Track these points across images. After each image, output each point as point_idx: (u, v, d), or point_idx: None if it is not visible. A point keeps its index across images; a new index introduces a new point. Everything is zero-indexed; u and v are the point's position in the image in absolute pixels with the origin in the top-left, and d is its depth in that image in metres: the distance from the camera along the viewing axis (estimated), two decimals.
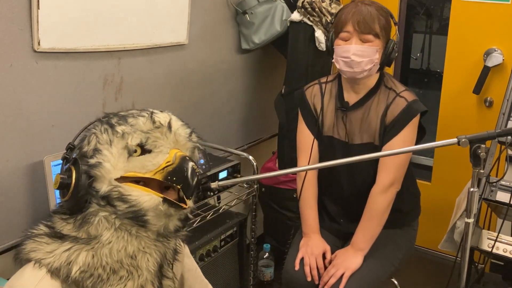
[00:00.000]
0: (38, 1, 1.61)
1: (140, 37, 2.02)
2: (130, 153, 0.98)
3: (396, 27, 1.82)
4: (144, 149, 0.99)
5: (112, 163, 0.97)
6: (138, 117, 1.02)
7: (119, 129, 1.00)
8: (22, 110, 1.68)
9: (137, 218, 0.96)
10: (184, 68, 2.30)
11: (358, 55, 1.70)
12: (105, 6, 1.84)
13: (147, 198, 0.97)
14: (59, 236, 0.98)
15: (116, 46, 1.93)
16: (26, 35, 1.63)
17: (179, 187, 0.99)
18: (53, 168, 1.67)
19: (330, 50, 1.81)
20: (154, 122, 1.02)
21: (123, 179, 0.98)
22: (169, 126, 1.03)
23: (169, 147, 1.01)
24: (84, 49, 1.81)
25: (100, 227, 0.97)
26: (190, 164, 0.99)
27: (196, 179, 0.99)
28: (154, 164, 0.98)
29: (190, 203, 1.03)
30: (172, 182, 0.98)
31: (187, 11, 2.19)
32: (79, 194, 0.97)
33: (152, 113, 1.05)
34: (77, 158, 0.99)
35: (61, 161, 1.04)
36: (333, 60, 1.78)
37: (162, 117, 1.05)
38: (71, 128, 1.84)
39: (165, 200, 0.98)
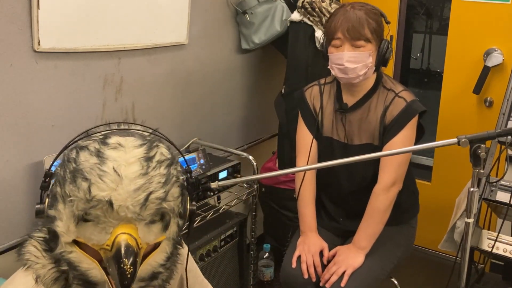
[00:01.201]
0: (38, 1, 1.61)
1: (140, 37, 2.02)
2: (79, 218, 0.88)
3: (389, 25, 1.81)
4: (89, 219, 0.87)
5: (64, 223, 0.89)
6: (82, 183, 0.86)
7: (68, 189, 0.88)
8: (22, 110, 1.68)
9: (89, 285, 0.92)
10: (184, 68, 2.30)
11: (351, 61, 1.71)
12: (105, 6, 1.84)
13: (95, 273, 0.90)
14: (50, 250, 0.97)
15: (116, 46, 1.93)
16: (26, 35, 1.63)
17: (112, 282, 0.88)
18: (53, 168, 1.67)
19: (325, 56, 1.82)
20: (91, 199, 0.85)
21: (77, 242, 0.90)
22: (110, 203, 0.85)
23: (111, 225, 0.86)
24: (84, 49, 1.81)
25: (70, 277, 0.94)
26: (123, 262, 0.84)
27: (126, 282, 0.84)
28: (98, 240, 0.87)
29: None
30: (106, 272, 0.89)
31: (187, 11, 2.19)
32: (50, 235, 0.93)
33: (99, 177, 0.86)
34: (48, 192, 0.94)
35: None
36: (329, 67, 1.79)
37: (107, 185, 0.85)
38: (71, 128, 1.84)
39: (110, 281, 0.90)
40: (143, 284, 0.94)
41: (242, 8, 2.49)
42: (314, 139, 1.91)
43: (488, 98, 2.65)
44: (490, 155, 2.02)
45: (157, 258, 0.94)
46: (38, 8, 1.62)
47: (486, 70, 2.56)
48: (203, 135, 2.44)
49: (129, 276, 0.84)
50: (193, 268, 1.26)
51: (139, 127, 1.01)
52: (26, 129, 1.70)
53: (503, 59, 2.55)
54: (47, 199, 0.93)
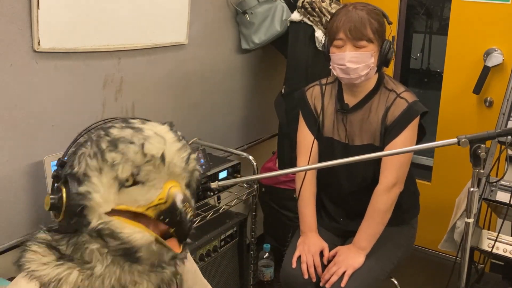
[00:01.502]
0: (38, 1, 1.61)
1: (140, 37, 2.02)
2: (121, 184, 0.90)
3: (391, 25, 1.81)
4: (136, 180, 0.91)
5: (102, 194, 0.90)
6: (129, 145, 0.90)
7: (109, 157, 0.90)
8: (22, 110, 1.68)
9: (129, 255, 0.92)
10: (184, 68, 2.30)
11: (353, 61, 1.71)
12: (105, 6, 1.84)
13: (139, 236, 0.91)
14: (56, 249, 0.96)
15: (116, 46, 1.93)
16: (26, 35, 1.63)
17: (172, 230, 0.93)
18: (53, 168, 1.67)
19: (326, 56, 1.81)
20: (145, 155, 0.90)
21: (114, 211, 0.91)
22: (163, 158, 0.91)
23: (162, 180, 0.92)
24: (84, 49, 1.81)
25: (93, 258, 0.93)
26: (184, 205, 0.91)
27: (189, 224, 0.91)
28: (146, 199, 0.91)
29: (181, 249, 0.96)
30: (164, 222, 0.92)
31: (187, 11, 2.19)
32: (71, 220, 0.92)
33: (145, 139, 0.92)
34: (67, 178, 0.92)
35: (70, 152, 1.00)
36: (330, 67, 1.79)
37: (155, 145, 0.92)
38: (71, 128, 1.84)
39: (158, 240, 0.93)
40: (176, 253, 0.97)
41: (242, 8, 2.49)
42: (315, 140, 1.90)
43: (488, 98, 2.65)
44: (490, 155, 2.02)
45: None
46: (38, 8, 1.62)
47: (486, 70, 2.56)
48: (203, 135, 2.44)
49: (192, 217, 0.91)
50: (193, 268, 1.26)
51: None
52: (26, 129, 1.70)
53: (503, 59, 2.55)
54: (63, 188, 0.93)
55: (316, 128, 1.91)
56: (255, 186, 2.32)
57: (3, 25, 1.57)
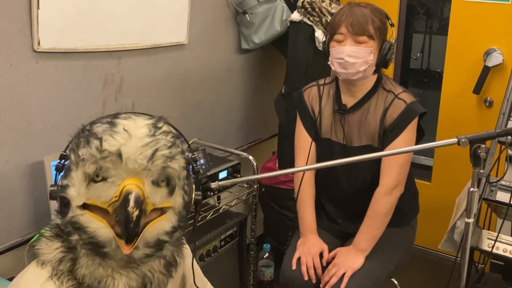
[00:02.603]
0: (38, 1, 1.61)
1: (140, 37, 2.02)
2: (91, 179, 0.92)
3: (393, 28, 1.81)
4: (103, 176, 0.91)
5: (76, 188, 0.93)
6: (94, 140, 0.91)
7: (80, 152, 0.92)
8: (22, 110, 1.68)
9: (97, 249, 0.93)
10: (184, 68, 2.30)
11: (352, 56, 1.71)
12: (105, 6, 1.84)
13: (102, 232, 0.91)
14: (61, 236, 0.99)
15: (116, 46, 1.93)
16: (26, 35, 1.63)
17: (119, 230, 0.90)
18: (53, 168, 1.67)
19: (326, 53, 1.81)
20: (102, 151, 0.90)
21: (86, 205, 0.93)
22: (119, 154, 0.89)
23: (121, 178, 0.90)
24: (84, 49, 1.81)
25: (78, 248, 0.96)
26: (129, 206, 0.87)
27: (131, 225, 0.87)
28: (107, 196, 0.90)
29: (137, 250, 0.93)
30: (115, 221, 0.90)
31: (187, 11, 2.19)
32: (62, 210, 0.96)
33: (110, 135, 0.91)
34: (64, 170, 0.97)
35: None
36: (329, 63, 1.79)
37: (114, 140, 0.91)
38: (71, 128, 1.81)
39: (115, 238, 0.91)
40: (149, 251, 0.95)
41: (242, 8, 2.49)
42: (312, 141, 1.90)
43: (488, 98, 2.65)
44: (490, 155, 2.02)
45: (163, 224, 0.96)
46: (38, 8, 1.62)
47: (486, 70, 2.56)
48: (203, 135, 2.44)
49: (134, 219, 0.87)
50: (194, 266, 1.26)
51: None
52: (26, 129, 1.70)
53: (503, 59, 2.55)
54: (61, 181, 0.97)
55: (314, 129, 1.91)
56: (255, 186, 2.32)
57: (3, 25, 1.57)
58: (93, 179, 0.92)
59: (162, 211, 0.96)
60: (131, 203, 0.87)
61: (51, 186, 0.97)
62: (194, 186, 1.04)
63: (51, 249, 0.98)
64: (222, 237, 2.23)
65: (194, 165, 1.06)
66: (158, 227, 0.95)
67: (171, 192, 0.96)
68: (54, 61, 1.74)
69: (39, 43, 1.65)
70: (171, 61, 2.22)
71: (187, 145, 1.02)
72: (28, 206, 1.74)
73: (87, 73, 1.87)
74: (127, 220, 0.87)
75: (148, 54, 2.10)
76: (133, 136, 0.92)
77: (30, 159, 1.72)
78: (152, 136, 0.93)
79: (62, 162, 1.00)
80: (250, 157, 2.30)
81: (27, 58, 1.65)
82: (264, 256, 2.60)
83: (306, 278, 1.81)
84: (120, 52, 1.96)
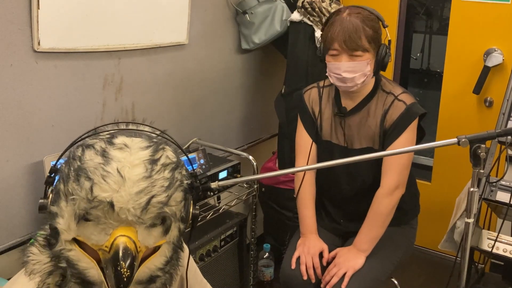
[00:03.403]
0: (38, 1, 1.61)
1: (140, 37, 2.02)
2: (80, 217, 0.87)
3: (387, 28, 1.79)
4: (89, 218, 0.87)
5: (65, 221, 0.89)
6: (85, 182, 0.85)
7: (70, 187, 0.87)
8: (22, 110, 1.68)
9: (85, 284, 0.91)
10: (184, 68, 2.30)
11: (349, 71, 1.70)
12: (105, 6, 1.84)
13: (92, 273, 0.89)
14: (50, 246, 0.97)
15: (116, 46, 1.93)
16: (26, 35, 1.63)
17: (109, 284, 0.87)
18: (59, 165, 1.67)
19: (323, 62, 1.80)
20: (92, 199, 0.85)
21: (77, 240, 0.90)
22: (111, 204, 0.84)
23: (111, 227, 0.86)
24: (84, 49, 1.81)
25: (68, 272, 0.93)
26: (119, 265, 0.84)
27: (121, 285, 0.84)
28: (97, 240, 0.87)
29: None
30: (103, 273, 0.88)
31: (187, 11, 2.19)
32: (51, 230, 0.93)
33: (102, 177, 0.85)
34: (52, 188, 0.93)
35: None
36: (327, 74, 1.78)
37: (108, 186, 0.85)
38: (71, 128, 1.84)
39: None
40: (141, 287, 0.93)
41: (242, 8, 2.49)
42: (313, 143, 1.90)
43: (488, 98, 2.65)
44: (490, 155, 2.02)
45: (156, 262, 0.93)
46: (38, 8, 1.62)
47: (486, 70, 2.56)
48: (203, 135, 2.44)
49: (125, 279, 0.83)
50: (193, 268, 1.26)
51: (147, 128, 1.00)
52: (26, 129, 1.70)
53: (503, 59, 2.55)
54: (50, 195, 0.93)
55: (314, 131, 1.91)
56: (255, 186, 2.32)
57: (3, 25, 1.57)
58: (84, 217, 0.87)
59: (155, 247, 0.93)
60: (122, 263, 0.83)
61: (41, 199, 0.94)
62: (192, 202, 0.99)
63: (41, 258, 0.96)
64: (222, 237, 2.23)
65: (195, 180, 1.01)
66: (151, 265, 0.93)
67: (167, 231, 0.92)
68: (54, 61, 1.74)
69: (39, 43, 1.65)
70: (171, 61, 2.22)
71: (185, 171, 0.97)
72: (28, 206, 1.74)
73: (87, 73, 1.87)
74: (118, 279, 0.84)
75: (148, 54, 2.10)
76: (127, 180, 0.85)
77: (30, 159, 1.72)
78: (148, 179, 0.87)
79: (52, 176, 0.95)
80: (250, 157, 2.30)
81: (27, 58, 1.65)
82: (264, 256, 2.60)
83: (305, 277, 1.82)
84: (120, 52, 1.96)
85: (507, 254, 1.90)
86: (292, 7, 2.52)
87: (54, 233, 0.92)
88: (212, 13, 2.39)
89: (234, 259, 2.36)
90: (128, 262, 0.84)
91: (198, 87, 2.41)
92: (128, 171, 0.86)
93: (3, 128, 1.63)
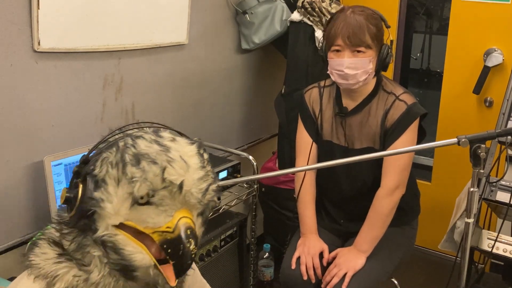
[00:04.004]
0: (38, 1, 1.61)
1: (140, 37, 2.02)
2: (135, 201, 0.89)
3: (390, 29, 1.79)
4: (150, 201, 0.89)
5: (114, 206, 0.89)
6: (151, 164, 0.88)
7: (129, 171, 0.88)
8: (22, 110, 1.68)
9: (126, 271, 0.91)
10: (184, 68, 2.30)
11: (351, 68, 1.70)
12: (105, 6, 1.84)
13: (139, 257, 0.90)
14: (59, 245, 0.96)
15: (116, 46, 1.93)
16: (26, 35, 1.63)
17: (171, 262, 0.89)
18: (53, 168, 1.67)
19: (324, 61, 1.81)
20: (164, 179, 0.88)
21: (121, 225, 0.90)
22: (181, 186, 0.89)
23: (175, 208, 0.90)
24: (84, 49, 1.81)
25: (92, 263, 0.93)
26: (189, 242, 0.88)
27: (189, 262, 0.88)
28: (154, 223, 0.89)
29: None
30: (166, 252, 0.89)
31: (187, 11, 2.19)
32: (80, 220, 0.92)
33: (169, 162, 0.89)
34: (87, 177, 0.92)
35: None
36: (328, 72, 1.78)
37: (177, 170, 0.89)
38: (71, 128, 1.84)
39: (156, 267, 0.91)
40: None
41: (242, 8, 2.49)
42: (313, 143, 1.90)
43: (488, 98, 2.65)
44: (490, 155, 2.02)
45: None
46: (38, 8, 1.62)
47: (486, 70, 2.56)
48: (203, 135, 2.44)
49: (193, 255, 0.88)
50: (192, 268, 1.26)
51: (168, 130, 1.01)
52: (26, 129, 1.70)
53: (503, 59, 2.55)
54: (81, 185, 0.92)
55: (314, 131, 1.91)
56: (255, 186, 2.32)
57: (3, 25, 1.57)
58: (139, 201, 0.89)
59: None
60: (191, 240, 0.88)
61: (67, 190, 0.93)
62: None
63: (45, 259, 0.94)
64: (222, 237, 2.23)
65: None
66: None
67: (204, 223, 0.98)
68: (54, 61, 1.74)
69: (39, 43, 1.65)
70: (171, 61, 2.22)
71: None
72: (28, 206, 1.74)
73: (87, 73, 1.87)
74: (186, 256, 0.87)
75: (148, 54, 2.10)
76: (190, 167, 0.91)
77: (30, 159, 1.72)
78: (203, 168, 0.94)
79: (83, 167, 0.94)
80: (250, 157, 2.30)
81: (27, 58, 1.65)
82: (264, 256, 2.61)
83: (305, 277, 1.82)
84: (120, 52, 1.96)
85: (507, 254, 1.90)
86: (292, 7, 2.52)
87: (89, 220, 0.91)
88: (212, 13, 2.39)
89: (234, 259, 2.36)
90: (194, 240, 0.89)
91: (198, 87, 2.41)
92: (189, 159, 0.92)
93: (3, 128, 1.63)
